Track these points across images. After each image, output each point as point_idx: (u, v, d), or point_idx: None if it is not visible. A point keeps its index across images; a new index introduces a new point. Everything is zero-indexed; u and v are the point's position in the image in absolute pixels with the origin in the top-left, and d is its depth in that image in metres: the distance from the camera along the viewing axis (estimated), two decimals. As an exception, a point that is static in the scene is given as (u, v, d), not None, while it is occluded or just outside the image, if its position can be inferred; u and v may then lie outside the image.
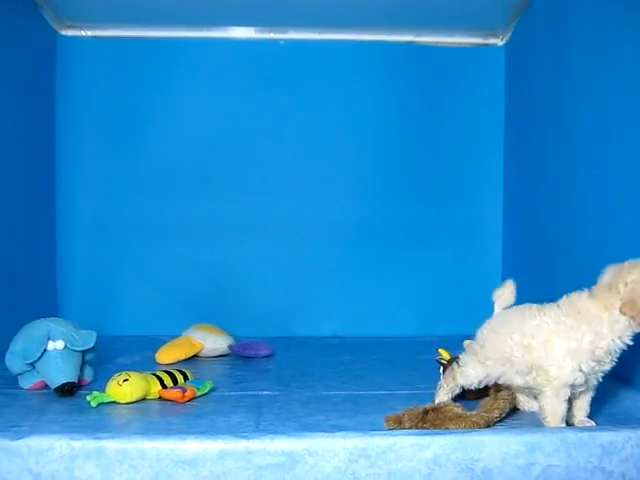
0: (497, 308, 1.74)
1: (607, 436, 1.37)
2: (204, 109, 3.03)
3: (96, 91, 3.01)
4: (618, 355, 1.53)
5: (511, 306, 1.72)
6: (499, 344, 1.62)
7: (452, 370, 1.74)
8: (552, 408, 1.52)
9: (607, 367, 1.54)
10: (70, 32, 3.00)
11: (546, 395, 1.53)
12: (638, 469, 1.36)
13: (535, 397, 1.72)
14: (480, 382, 1.68)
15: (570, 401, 1.56)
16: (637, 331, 1.52)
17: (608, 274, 1.54)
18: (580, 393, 1.58)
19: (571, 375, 1.50)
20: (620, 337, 1.51)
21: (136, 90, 3.02)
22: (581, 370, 1.50)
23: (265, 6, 2.79)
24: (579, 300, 1.55)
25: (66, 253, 3.01)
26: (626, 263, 1.52)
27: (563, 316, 1.54)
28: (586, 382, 1.54)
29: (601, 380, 1.57)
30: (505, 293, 1.73)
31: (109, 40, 3.01)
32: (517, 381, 1.63)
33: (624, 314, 1.48)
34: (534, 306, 1.63)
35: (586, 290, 1.56)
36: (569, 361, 1.50)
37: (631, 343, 1.52)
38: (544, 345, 1.54)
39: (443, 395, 1.73)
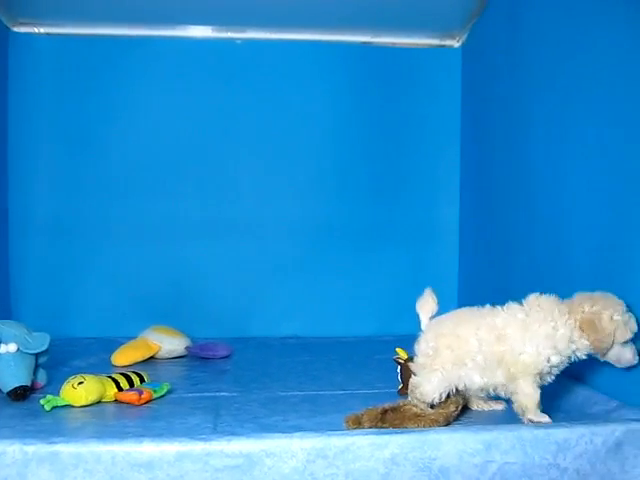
0: (423, 318, 1.73)
1: (561, 433, 1.39)
2: (161, 108, 3.00)
3: (50, 89, 2.96)
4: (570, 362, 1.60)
5: (435, 314, 1.73)
6: (462, 344, 1.62)
7: (411, 393, 1.69)
8: (531, 395, 1.55)
9: (561, 367, 1.59)
10: (23, 29, 2.94)
11: (521, 385, 1.56)
12: (592, 465, 1.38)
13: (490, 398, 1.74)
14: (442, 395, 1.64)
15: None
16: (590, 352, 1.59)
17: (576, 297, 1.62)
18: None
19: (543, 362, 1.55)
20: (577, 348, 1.58)
21: (91, 88, 2.97)
22: (549, 361, 1.55)
23: (222, 5, 2.77)
24: (552, 299, 1.61)
25: (19, 254, 2.94)
26: (596, 293, 1.61)
27: (537, 307, 1.60)
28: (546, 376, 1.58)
29: (551, 380, 1.61)
30: (429, 302, 1.73)
31: (63, 38, 2.96)
32: (477, 381, 1.63)
33: (582, 330, 1.56)
34: (487, 306, 1.66)
35: (553, 295, 1.63)
36: (542, 349, 1.55)
37: (584, 358, 1.60)
38: (520, 332, 1.57)
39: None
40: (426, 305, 1.73)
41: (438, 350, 1.64)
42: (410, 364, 1.74)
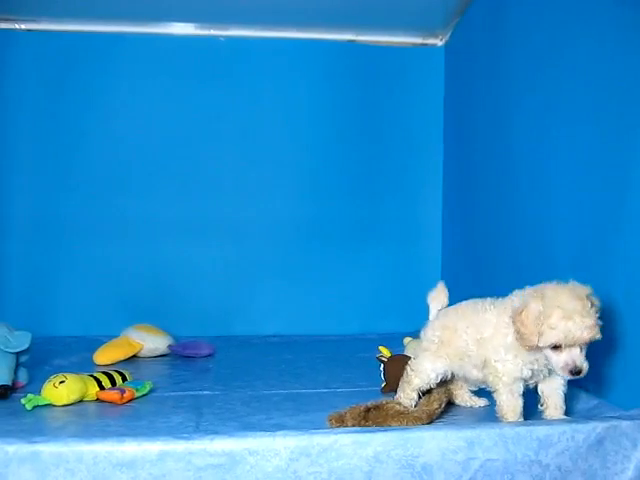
0: (433, 310, 1.75)
1: (543, 430, 1.39)
2: (142, 106, 2.99)
3: (31, 86, 2.94)
4: None
5: (445, 306, 1.74)
6: (456, 339, 1.63)
7: (405, 376, 1.70)
8: (508, 404, 1.53)
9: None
10: (3, 25, 2.91)
11: (500, 392, 1.54)
12: (573, 461, 1.39)
13: (474, 393, 1.75)
14: (438, 376, 1.66)
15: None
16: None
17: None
18: (542, 387, 1.57)
19: (516, 369, 1.52)
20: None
21: (72, 86, 2.95)
22: (522, 372, 1.52)
23: (205, 2, 2.76)
24: (517, 296, 1.57)
25: (0, 252, 2.92)
26: (551, 284, 1.50)
27: (503, 311, 1.56)
28: (536, 375, 1.54)
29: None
30: (440, 295, 1.75)
31: (45, 34, 2.94)
32: (475, 374, 1.63)
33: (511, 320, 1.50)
34: (488, 300, 1.64)
35: (527, 287, 1.59)
36: (509, 355, 1.52)
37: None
38: (491, 340, 1.56)
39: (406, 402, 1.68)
40: (437, 297, 1.75)
41: (442, 341, 1.66)
42: (415, 346, 1.74)
